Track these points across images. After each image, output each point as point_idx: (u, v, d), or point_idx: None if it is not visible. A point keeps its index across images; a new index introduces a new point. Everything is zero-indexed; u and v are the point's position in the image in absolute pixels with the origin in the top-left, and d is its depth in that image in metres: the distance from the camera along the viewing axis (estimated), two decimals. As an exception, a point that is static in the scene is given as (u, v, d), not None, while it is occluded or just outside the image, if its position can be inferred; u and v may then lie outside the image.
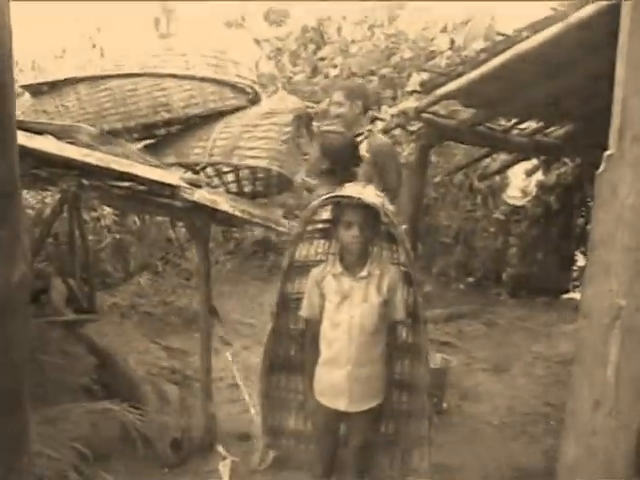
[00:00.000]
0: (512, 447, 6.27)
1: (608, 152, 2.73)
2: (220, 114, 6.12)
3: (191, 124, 6.20)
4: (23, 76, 10.84)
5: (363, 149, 5.94)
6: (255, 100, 6.35)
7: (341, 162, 5.33)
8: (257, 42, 14.30)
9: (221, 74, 6.08)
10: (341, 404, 4.24)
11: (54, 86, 6.22)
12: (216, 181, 6.55)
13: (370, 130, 5.97)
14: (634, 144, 2.62)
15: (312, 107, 6.40)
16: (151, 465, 5.62)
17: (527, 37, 5.61)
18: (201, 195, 5.22)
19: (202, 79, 6.03)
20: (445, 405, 6.89)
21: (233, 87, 6.14)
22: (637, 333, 2.65)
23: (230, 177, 6.38)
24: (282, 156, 5.73)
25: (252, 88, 6.33)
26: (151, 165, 5.50)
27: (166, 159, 6.04)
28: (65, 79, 6.17)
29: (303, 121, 6.11)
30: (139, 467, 5.58)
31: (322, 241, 4.61)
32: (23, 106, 6.33)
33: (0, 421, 2.16)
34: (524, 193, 11.78)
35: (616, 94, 2.71)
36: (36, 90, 6.32)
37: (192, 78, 6.01)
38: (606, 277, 2.72)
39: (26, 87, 6.44)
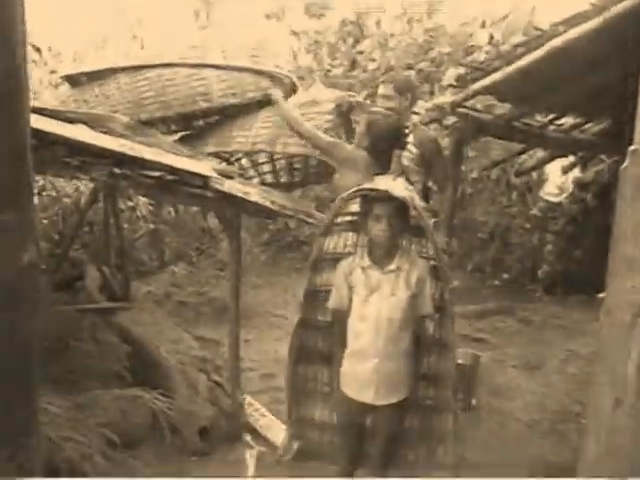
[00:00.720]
0: (541, 444, 6.25)
1: (632, 147, 2.71)
2: (259, 103, 6.15)
3: (231, 113, 6.23)
4: (63, 67, 10.90)
5: (409, 142, 5.98)
6: (293, 90, 6.38)
7: (383, 143, 5.33)
8: (295, 34, 14.33)
9: (259, 65, 6.12)
10: (367, 397, 4.26)
11: (94, 76, 6.29)
12: (251, 172, 6.59)
13: (415, 124, 5.99)
14: (659, 139, 2.61)
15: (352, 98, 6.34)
16: (178, 453, 5.67)
17: (564, 32, 5.58)
18: (232, 185, 5.25)
19: (240, 69, 6.06)
20: (475, 401, 6.86)
21: (271, 77, 6.17)
22: (659, 330, 2.64)
23: (266, 167, 6.42)
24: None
25: (289, 78, 6.36)
26: (183, 155, 5.55)
27: (206, 148, 6.11)
28: (105, 69, 6.24)
29: (344, 110, 6.13)
30: (166, 454, 5.64)
31: (351, 234, 4.62)
32: (63, 95, 6.41)
33: (9, 402, 2.20)
34: (561, 190, 11.70)
35: (640, 88, 2.71)
36: (76, 80, 6.38)
37: (230, 68, 6.05)
38: (628, 273, 2.70)
39: (65, 78, 6.50)
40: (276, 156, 6.72)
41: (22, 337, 2.23)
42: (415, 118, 6.38)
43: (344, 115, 6.18)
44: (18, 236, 2.15)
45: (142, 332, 6.82)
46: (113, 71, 6.23)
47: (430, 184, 6.11)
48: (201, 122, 6.65)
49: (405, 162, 5.91)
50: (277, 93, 6.08)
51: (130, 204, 10.28)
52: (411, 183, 5.79)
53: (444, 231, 6.29)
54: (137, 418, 5.65)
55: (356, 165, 5.35)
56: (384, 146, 5.35)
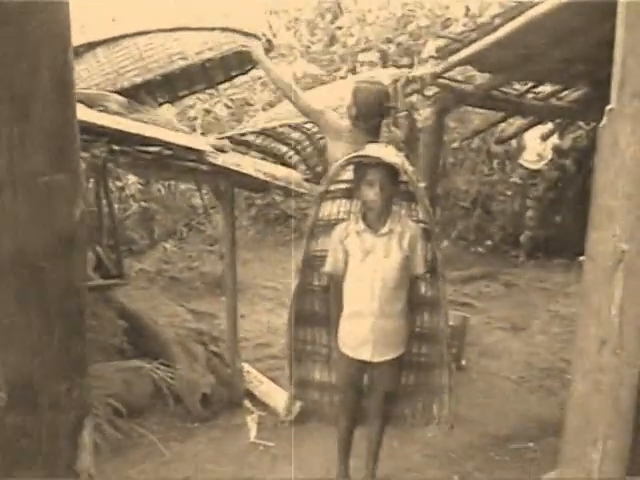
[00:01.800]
0: (529, 400, 6.48)
1: (609, 107, 2.90)
2: (239, 60, 6.27)
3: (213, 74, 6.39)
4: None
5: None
6: (269, 48, 6.47)
7: (369, 110, 5.47)
8: (275, 12, 14.41)
9: (232, 23, 6.21)
10: (365, 354, 4.45)
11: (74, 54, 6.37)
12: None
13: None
14: (633, 99, 2.78)
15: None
16: (182, 420, 5.87)
17: (540, 2, 5.74)
18: (226, 159, 5.42)
19: (213, 29, 6.15)
20: (464, 362, 7.07)
21: (245, 34, 6.25)
22: (638, 275, 2.83)
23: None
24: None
25: (265, 36, 6.46)
26: (178, 130, 5.71)
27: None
28: (82, 45, 6.30)
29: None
30: (171, 422, 5.83)
31: (344, 200, 4.77)
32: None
33: (66, 341, 2.40)
34: (540, 157, 11.83)
35: (616, 53, 2.88)
36: None
37: (204, 29, 6.14)
38: (609, 223, 2.88)
39: None
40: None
41: (78, 282, 2.43)
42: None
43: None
44: (70, 193, 2.35)
45: (138, 307, 6.98)
46: (90, 46, 6.28)
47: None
48: (186, 91, 6.76)
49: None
50: (256, 46, 6.16)
51: (119, 184, 10.42)
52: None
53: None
54: (140, 388, 5.81)
55: (343, 135, 5.51)
56: (370, 113, 5.46)
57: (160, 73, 6.09)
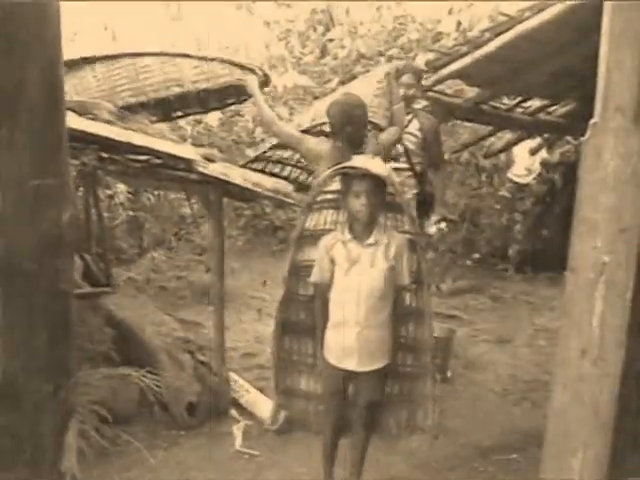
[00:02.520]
0: (513, 412, 6.51)
1: (593, 121, 2.95)
2: (234, 91, 6.33)
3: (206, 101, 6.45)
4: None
5: (413, 128, 6.28)
6: (265, 82, 6.53)
7: (343, 123, 5.50)
8: (267, 23, 14.48)
9: (232, 56, 6.28)
10: (350, 364, 4.48)
11: (73, 65, 6.40)
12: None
13: (415, 110, 6.34)
14: (616, 113, 2.83)
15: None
16: (168, 428, 5.90)
17: (529, 17, 5.80)
18: (215, 168, 5.46)
19: (213, 59, 6.21)
20: (450, 373, 7.10)
21: (242, 67, 6.31)
22: (619, 287, 2.86)
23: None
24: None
25: (262, 71, 6.52)
26: (168, 140, 5.75)
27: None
28: (82, 58, 6.35)
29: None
30: (156, 429, 5.86)
31: (331, 211, 4.81)
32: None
33: (52, 344, 2.44)
34: (529, 171, 11.89)
35: (600, 68, 2.93)
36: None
37: (204, 59, 6.20)
38: (591, 235, 2.92)
39: None
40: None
41: (64, 286, 2.47)
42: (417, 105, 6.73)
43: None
44: (58, 198, 2.39)
45: (126, 316, 6.97)
46: (90, 61, 6.32)
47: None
48: (179, 112, 6.81)
49: (410, 146, 6.25)
50: (252, 80, 6.23)
51: (109, 192, 10.44)
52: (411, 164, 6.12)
53: (442, 206, 6.78)
54: (126, 395, 5.83)
55: (323, 158, 5.56)
56: (343, 124, 5.47)
57: (154, 97, 6.14)
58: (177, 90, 6.13)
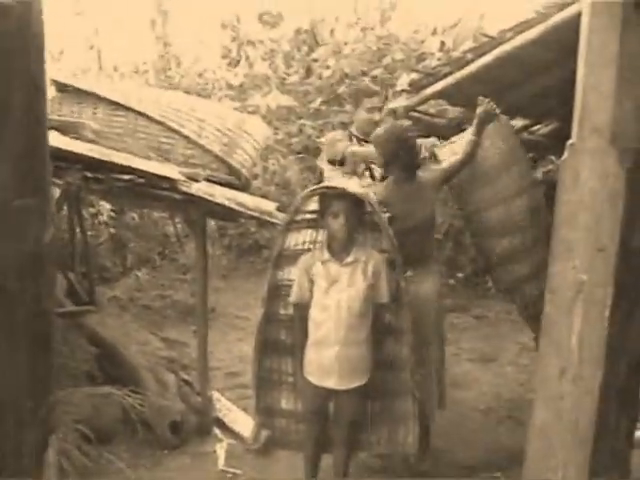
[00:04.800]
0: (498, 431, 6.51)
1: (570, 142, 2.99)
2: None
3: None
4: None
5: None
6: (245, 186, 6.53)
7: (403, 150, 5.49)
8: (251, 43, 14.54)
9: (226, 154, 6.26)
10: (330, 382, 4.51)
11: (79, 93, 6.38)
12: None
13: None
14: (593, 134, 2.87)
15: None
16: (151, 447, 5.87)
17: (511, 38, 5.85)
18: (198, 188, 5.48)
19: (210, 152, 6.21)
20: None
21: (230, 168, 6.34)
22: (597, 305, 2.90)
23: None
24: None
25: (247, 178, 6.54)
26: (151, 159, 5.77)
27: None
28: (90, 92, 6.33)
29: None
30: (140, 449, 5.84)
31: (310, 231, 4.86)
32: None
33: (33, 361, 2.45)
34: (512, 190, 11.92)
35: (577, 89, 2.97)
36: (62, 87, 6.50)
37: (201, 147, 6.19)
38: (569, 255, 2.96)
39: (54, 81, 6.61)
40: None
41: (46, 304, 2.48)
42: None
43: None
44: (39, 217, 2.41)
45: (109, 334, 6.96)
46: (96, 98, 6.32)
47: None
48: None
49: None
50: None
51: (92, 211, 10.43)
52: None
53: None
54: (109, 414, 5.81)
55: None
56: (399, 152, 5.46)
57: (136, 164, 6.09)
58: (159, 166, 5.84)
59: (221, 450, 5.88)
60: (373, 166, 5.91)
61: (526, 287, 5.81)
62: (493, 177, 5.66)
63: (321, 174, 6.30)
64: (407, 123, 5.54)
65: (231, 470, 5.60)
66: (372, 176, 5.94)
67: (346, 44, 13.47)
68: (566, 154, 3.02)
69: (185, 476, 5.53)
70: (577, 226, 2.93)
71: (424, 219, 5.25)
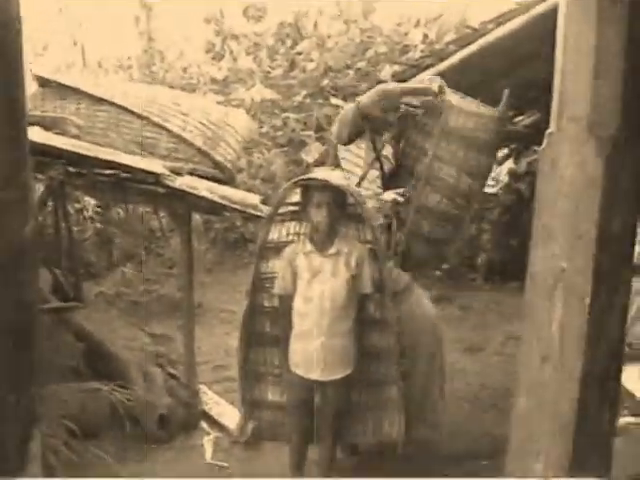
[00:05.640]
0: (484, 419, 6.55)
1: (549, 130, 3.00)
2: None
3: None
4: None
5: None
6: (229, 179, 6.53)
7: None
8: (235, 37, 14.53)
9: (210, 148, 6.26)
10: (315, 373, 4.51)
11: (62, 89, 6.37)
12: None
13: None
14: (570, 123, 2.87)
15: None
16: (139, 441, 5.88)
17: (493, 29, 5.87)
18: (182, 182, 5.49)
19: (192, 145, 6.21)
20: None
21: (214, 161, 6.33)
22: (577, 292, 2.90)
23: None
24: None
25: (231, 171, 6.53)
26: (135, 154, 5.77)
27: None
28: (73, 87, 6.33)
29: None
30: (127, 443, 5.84)
31: (293, 223, 4.87)
32: (28, 91, 6.50)
33: (14, 354, 2.46)
34: (496, 181, 11.95)
35: (555, 79, 2.99)
36: (44, 83, 6.49)
37: (185, 141, 6.19)
38: (549, 242, 2.97)
39: (36, 77, 6.60)
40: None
41: (27, 297, 2.49)
42: None
43: None
44: (20, 211, 2.41)
45: (96, 330, 6.97)
46: (79, 93, 6.31)
47: None
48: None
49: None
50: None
51: (78, 206, 10.42)
52: None
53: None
54: (97, 409, 5.81)
55: None
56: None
57: (120, 159, 6.08)
58: (140, 160, 5.83)
59: (208, 443, 5.91)
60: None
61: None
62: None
63: (308, 166, 6.32)
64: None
65: (218, 463, 5.64)
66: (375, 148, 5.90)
67: (329, 37, 13.50)
68: (545, 143, 3.03)
69: (173, 470, 5.54)
70: (556, 214, 2.94)
71: None
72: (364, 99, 5.41)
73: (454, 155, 5.38)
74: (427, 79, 5.76)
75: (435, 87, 5.53)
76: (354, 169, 5.66)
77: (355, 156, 5.87)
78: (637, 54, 2.80)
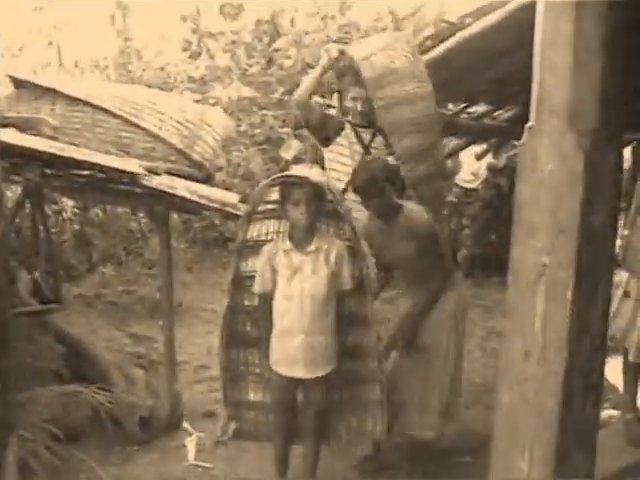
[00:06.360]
0: (467, 415, 6.51)
1: (528, 124, 2.99)
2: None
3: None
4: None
5: None
6: (207, 178, 6.49)
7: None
8: (212, 35, 14.48)
9: (186, 146, 6.22)
10: (297, 371, 4.54)
11: (37, 89, 6.32)
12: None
13: None
14: (551, 116, 2.86)
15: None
16: (121, 443, 5.85)
17: (471, 24, 5.86)
18: (160, 181, 5.45)
19: (169, 144, 6.17)
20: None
21: (191, 160, 6.29)
22: (560, 287, 2.89)
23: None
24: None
25: (208, 170, 6.49)
26: (111, 154, 5.72)
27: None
28: (49, 88, 6.28)
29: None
30: (109, 445, 5.80)
31: (272, 221, 4.86)
32: (3, 93, 6.45)
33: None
34: (475, 176, 11.91)
35: (534, 72, 2.97)
36: (19, 84, 6.44)
37: (162, 140, 6.14)
38: (531, 237, 2.95)
39: (11, 77, 6.54)
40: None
41: (1, 302, 2.46)
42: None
43: None
44: (-10, 215, 2.38)
45: (76, 332, 6.91)
46: (54, 93, 6.26)
47: None
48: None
49: None
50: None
51: (55, 208, 10.35)
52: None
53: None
54: (78, 412, 5.76)
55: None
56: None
57: (96, 159, 6.00)
58: (117, 159, 5.71)
59: (191, 444, 5.87)
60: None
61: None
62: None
63: (287, 163, 6.32)
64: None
65: (201, 464, 5.60)
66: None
67: (307, 34, 13.46)
68: (525, 137, 3.01)
69: (156, 471, 5.51)
70: (538, 208, 2.93)
71: (407, 256, 5.15)
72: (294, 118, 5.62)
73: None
74: (323, 51, 5.89)
75: (334, 54, 5.77)
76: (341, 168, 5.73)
77: (339, 155, 5.92)
78: (616, 47, 2.79)
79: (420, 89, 5.72)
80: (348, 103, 6.02)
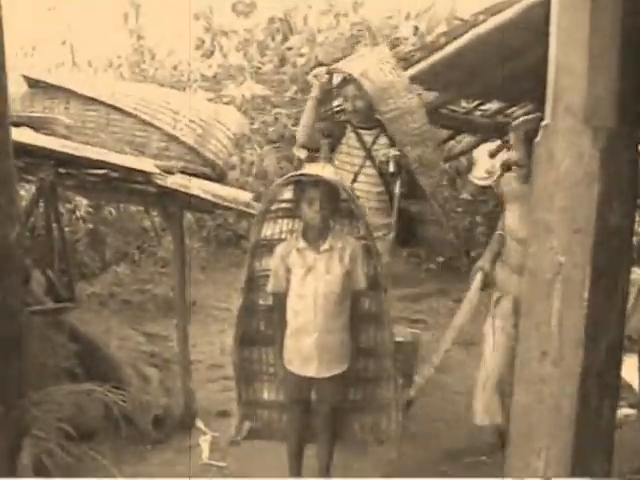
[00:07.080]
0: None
1: (544, 122, 2.97)
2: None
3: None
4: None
5: None
6: (220, 176, 6.49)
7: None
8: (225, 33, 14.45)
9: (200, 145, 6.21)
10: (311, 370, 4.52)
11: (51, 89, 6.32)
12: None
13: None
14: (566, 114, 2.85)
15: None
16: (134, 442, 5.84)
17: (484, 20, 5.83)
18: (174, 180, 5.44)
19: (183, 142, 6.16)
20: (417, 378, 7.08)
21: (205, 159, 6.29)
22: (576, 286, 2.88)
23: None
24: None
25: (222, 168, 6.49)
26: (125, 153, 5.71)
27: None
28: (62, 87, 6.28)
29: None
30: (123, 444, 5.78)
31: (286, 220, 4.84)
32: (18, 92, 6.45)
33: (3, 364, 2.41)
34: (489, 173, 11.89)
35: (549, 70, 2.96)
36: (33, 83, 6.45)
37: (175, 139, 6.14)
38: (546, 236, 2.95)
39: (25, 77, 6.55)
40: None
41: (12, 304, 2.44)
42: None
43: None
44: (5, 216, 2.37)
45: (90, 331, 6.91)
46: (68, 93, 6.25)
47: None
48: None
49: None
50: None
51: (69, 206, 10.36)
52: None
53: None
54: (92, 411, 5.77)
55: None
56: None
57: (110, 158, 5.99)
58: (133, 159, 5.72)
59: (205, 443, 5.86)
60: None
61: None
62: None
63: (300, 162, 6.34)
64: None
65: (215, 463, 5.60)
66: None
67: (320, 32, 13.42)
68: (540, 135, 3.00)
69: (170, 470, 5.49)
70: (553, 207, 2.92)
71: None
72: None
73: None
74: (311, 77, 6.11)
75: (323, 79, 5.96)
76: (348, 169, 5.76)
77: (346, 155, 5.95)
78: (633, 44, 2.77)
79: (412, 100, 5.91)
80: (347, 104, 6.05)
